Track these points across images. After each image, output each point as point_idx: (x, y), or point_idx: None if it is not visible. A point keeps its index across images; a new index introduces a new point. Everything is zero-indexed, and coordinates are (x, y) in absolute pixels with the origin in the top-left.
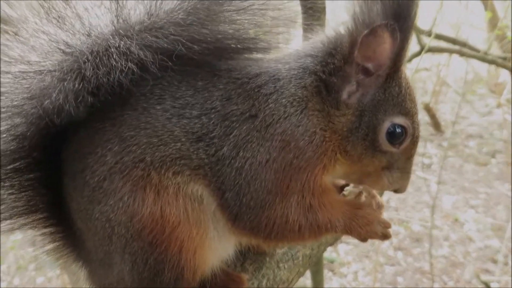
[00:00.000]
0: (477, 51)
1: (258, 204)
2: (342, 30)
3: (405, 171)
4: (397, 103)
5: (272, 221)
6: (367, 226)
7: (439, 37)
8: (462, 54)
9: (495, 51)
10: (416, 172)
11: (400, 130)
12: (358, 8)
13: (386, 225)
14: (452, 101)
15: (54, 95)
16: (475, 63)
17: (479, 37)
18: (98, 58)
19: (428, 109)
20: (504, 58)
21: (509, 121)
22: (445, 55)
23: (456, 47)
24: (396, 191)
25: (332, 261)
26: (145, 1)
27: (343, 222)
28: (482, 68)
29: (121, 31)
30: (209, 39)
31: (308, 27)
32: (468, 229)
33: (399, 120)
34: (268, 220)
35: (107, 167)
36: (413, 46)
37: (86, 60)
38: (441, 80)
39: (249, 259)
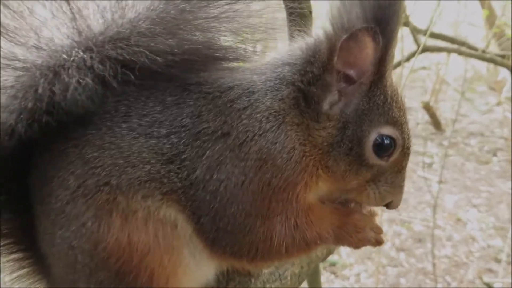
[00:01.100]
0: (476, 49)
1: (237, 229)
2: (321, 35)
3: (396, 185)
4: (383, 112)
5: (255, 246)
6: (358, 234)
7: (437, 36)
8: (460, 53)
9: (494, 49)
10: (417, 171)
11: (388, 142)
12: (336, 11)
13: (378, 231)
14: (452, 100)
15: (4, 115)
16: (474, 61)
17: (477, 35)
18: (53, 73)
19: (428, 108)
20: (503, 56)
21: (509, 119)
22: (444, 53)
23: (455, 46)
24: (387, 206)
25: (334, 264)
26: (108, 10)
27: (332, 232)
28: (482, 66)
29: (80, 43)
30: (175, 50)
31: (294, 33)
32: (471, 228)
33: (387, 130)
34: (250, 245)
35: (69, 191)
36: (411, 45)
37: (40, 76)
38: (440, 78)
39: (232, 281)
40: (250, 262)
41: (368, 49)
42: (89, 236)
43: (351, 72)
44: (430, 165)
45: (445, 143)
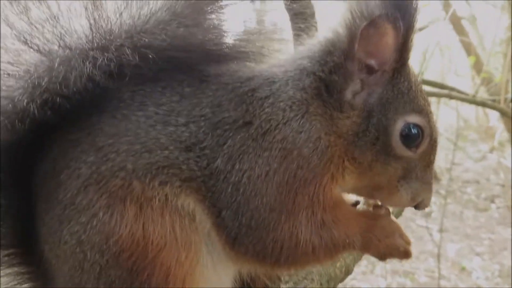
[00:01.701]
0: (466, 94)
1: (261, 224)
2: (339, 28)
3: (426, 182)
4: (408, 100)
5: (280, 244)
6: (387, 239)
7: (427, 82)
8: (451, 97)
9: (483, 95)
10: (416, 220)
11: (415, 131)
12: (355, 0)
13: (407, 241)
14: (445, 149)
15: (19, 96)
16: (464, 111)
17: (464, 85)
18: (73, 61)
19: None
20: (493, 100)
21: (504, 165)
22: (433, 103)
23: (445, 91)
24: (417, 206)
25: None
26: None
27: (360, 236)
28: (471, 115)
29: (98, 34)
30: (194, 43)
31: (297, 35)
32: (476, 277)
33: (414, 119)
34: (274, 243)
35: (81, 180)
36: None
37: (58, 58)
38: None
39: None
40: (273, 264)
41: (388, 36)
42: (101, 228)
43: (372, 62)
44: (429, 214)
45: (442, 191)
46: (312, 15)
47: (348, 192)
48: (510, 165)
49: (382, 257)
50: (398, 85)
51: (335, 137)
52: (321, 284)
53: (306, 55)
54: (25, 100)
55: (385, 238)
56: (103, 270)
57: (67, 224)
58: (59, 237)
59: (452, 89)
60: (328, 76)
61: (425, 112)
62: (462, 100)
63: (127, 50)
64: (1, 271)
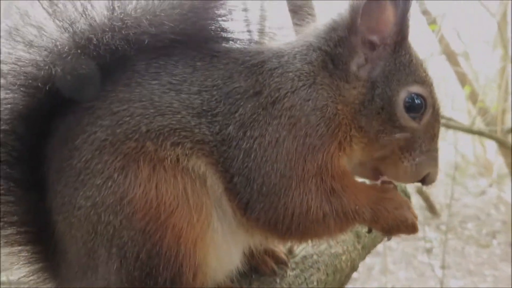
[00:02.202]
0: (463, 125)
1: (272, 190)
2: (342, 11)
3: (431, 155)
4: (410, 72)
5: (291, 211)
6: (396, 211)
7: None
8: (448, 127)
9: (480, 126)
10: (417, 257)
11: (419, 101)
12: None
13: (415, 215)
14: (444, 184)
15: (42, 63)
16: (461, 146)
17: (461, 118)
18: (93, 32)
19: (421, 192)
20: (490, 130)
21: (504, 199)
22: None
23: (442, 121)
24: (423, 180)
25: None
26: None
27: (369, 207)
28: (468, 150)
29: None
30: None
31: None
32: None
33: (416, 89)
34: (285, 210)
35: (96, 144)
36: None
37: (81, 34)
38: None
39: (257, 281)
40: (285, 233)
41: (388, 11)
42: (115, 188)
43: (374, 38)
44: (430, 250)
45: (443, 227)
46: (312, 13)
47: (356, 170)
48: (510, 200)
49: (390, 231)
50: (399, 58)
51: (343, 105)
52: (327, 275)
53: (312, 34)
54: (48, 67)
55: (394, 209)
56: (116, 231)
57: (82, 188)
58: (74, 203)
59: (449, 119)
60: (333, 49)
61: (427, 83)
62: (460, 129)
63: (144, 21)
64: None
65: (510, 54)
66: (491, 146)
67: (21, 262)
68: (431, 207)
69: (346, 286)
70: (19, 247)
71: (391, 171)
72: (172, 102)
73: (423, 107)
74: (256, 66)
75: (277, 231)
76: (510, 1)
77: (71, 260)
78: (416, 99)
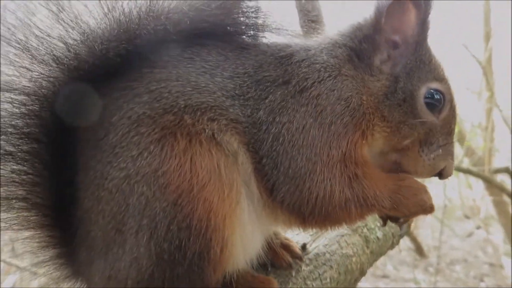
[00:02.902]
0: None
1: (297, 174)
2: (366, 14)
3: (447, 150)
4: (430, 70)
5: (315, 194)
6: (414, 196)
7: None
8: None
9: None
10: None
11: (438, 96)
12: None
13: (431, 196)
14: (431, 226)
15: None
16: (448, 189)
17: None
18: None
19: (409, 233)
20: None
21: (491, 241)
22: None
23: None
24: (440, 175)
25: None
26: None
27: (388, 196)
28: (455, 194)
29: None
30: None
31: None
32: None
33: (436, 85)
34: (310, 193)
35: (133, 118)
36: None
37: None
38: None
39: (273, 274)
40: (308, 215)
41: (411, 13)
42: (150, 160)
43: (397, 38)
44: None
45: (431, 269)
46: (319, 15)
47: (377, 162)
48: (497, 242)
49: (409, 215)
50: (420, 56)
51: (367, 96)
52: (339, 273)
53: (337, 33)
54: (88, 49)
55: (413, 196)
56: (148, 202)
57: (116, 161)
58: (106, 176)
59: None
60: (358, 45)
61: (445, 81)
62: None
63: (184, 8)
64: (35, 232)
65: (495, 97)
66: (477, 188)
67: (37, 247)
68: (419, 249)
69: None
70: (37, 231)
71: (410, 165)
72: (207, 83)
73: (441, 102)
74: (284, 58)
75: (301, 214)
76: (492, 47)
77: (95, 239)
78: (436, 94)
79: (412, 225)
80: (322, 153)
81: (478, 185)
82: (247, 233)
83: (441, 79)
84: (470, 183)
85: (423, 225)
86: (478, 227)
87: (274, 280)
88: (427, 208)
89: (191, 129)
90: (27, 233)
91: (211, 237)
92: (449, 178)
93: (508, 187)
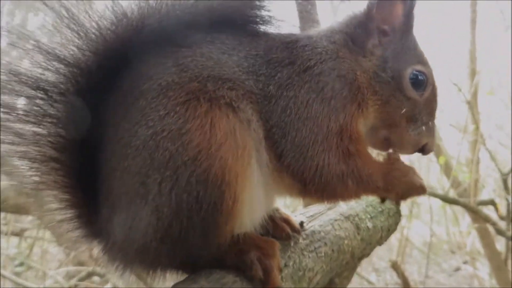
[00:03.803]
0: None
1: (302, 143)
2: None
3: (429, 127)
4: (415, 54)
5: (316, 162)
6: (405, 177)
7: None
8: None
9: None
10: None
11: (422, 77)
12: None
13: (421, 177)
14: (418, 262)
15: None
16: (434, 225)
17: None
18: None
19: (396, 267)
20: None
21: (478, 276)
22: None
23: None
24: (423, 150)
25: None
26: None
27: (381, 177)
28: (442, 231)
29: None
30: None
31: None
32: None
33: (419, 67)
34: (312, 161)
35: (163, 84)
36: None
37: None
38: (405, 240)
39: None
40: (308, 183)
41: (398, 5)
42: (176, 119)
43: (386, 27)
44: None
45: None
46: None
47: (369, 139)
48: (484, 276)
49: (402, 196)
50: (406, 43)
51: (360, 73)
52: (332, 251)
53: (335, 23)
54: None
55: (403, 177)
56: (172, 157)
57: (145, 119)
58: (133, 133)
59: None
60: (353, 31)
61: (428, 65)
62: (435, 196)
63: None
64: (59, 192)
65: (480, 130)
66: (464, 224)
67: (60, 207)
68: (405, 283)
69: None
70: (62, 191)
71: (397, 140)
72: (226, 60)
73: (424, 83)
74: (290, 43)
75: (303, 180)
76: (478, 81)
77: (118, 195)
78: (420, 76)
79: (399, 259)
80: (322, 125)
81: (464, 221)
82: (255, 194)
83: (425, 63)
84: (457, 216)
85: (409, 260)
86: (465, 262)
87: (276, 242)
88: (419, 188)
89: (212, 95)
90: (52, 193)
91: (225, 190)
92: (430, 153)
93: (494, 218)
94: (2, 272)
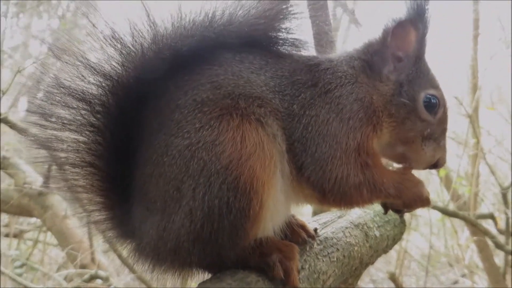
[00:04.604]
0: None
1: (322, 157)
2: (375, 35)
3: (442, 144)
4: (428, 79)
5: (335, 174)
6: (415, 188)
7: None
8: None
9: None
10: None
11: (434, 101)
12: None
13: (428, 191)
14: (416, 274)
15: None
16: (433, 240)
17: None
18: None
19: (394, 279)
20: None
21: None
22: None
23: None
24: (435, 165)
25: None
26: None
27: (393, 185)
28: (440, 244)
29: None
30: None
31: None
32: None
33: (432, 92)
34: (331, 174)
35: (198, 100)
36: None
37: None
38: (403, 252)
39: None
40: (327, 192)
41: (411, 33)
42: (210, 131)
43: (400, 53)
44: None
45: None
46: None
47: (386, 152)
48: None
49: (409, 205)
50: (420, 68)
51: (377, 97)
52: (343, 256)
53: (353, 49)
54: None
55: (413, 187)
56: (206, 165)
57: (182, 131)
58: (170, 144)
59: None
60: (370, 58)
61: (440, 89)
62: (435, 208)
63: (234, 23)
64: (95, 195)
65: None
66: (462, 237)
67: (95, 209)
68: None
69: None
70: (98, 194)
71: (413, 156)
72: (255, 79)
73: (437, 106)
74: (313, 66)
75: (322, 190)
76: (479, 96)
77: (153, 198)
78: (432, 99)
79: (397, 271)
80: (341, 142)
81: (463, 234)
82: (277, 201)
83: (437, 87)
84: (456, 229)
85: (408, 273)
86: (463, 275)
87: (296, 246)
88: (424, 200)
89: (244, 112)
90: (89, 196)
91: (253, 197)
92: (444, 166)
93: (492, 231)
94: (4, 270)
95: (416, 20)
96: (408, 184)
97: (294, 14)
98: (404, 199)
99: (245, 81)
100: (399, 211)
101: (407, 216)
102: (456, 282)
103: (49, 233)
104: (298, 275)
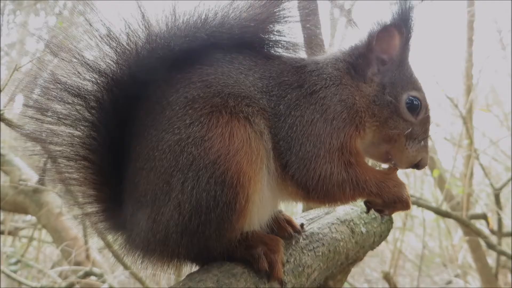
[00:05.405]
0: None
1: (305, 156)
2: (360, 37)
3: (425, 145)
4: (410, 81)
5: (318, 173)
6: (395, 188)
7: None
8: (419, 205)
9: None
10: None
11: (416, 102)
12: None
13: (408, 194)
14: (410, 274)
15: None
16: (427, 240)
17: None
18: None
19: (388, 278)
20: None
21: None
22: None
23: (413, 198)
24: (417, 165)
25: None
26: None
27: (375, 183)
28: (434, 244)
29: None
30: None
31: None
32: None
33: (414, 93)
34: (314, 172)
35: (189, 97)
36: None
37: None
38: (398, 252)
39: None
40: (311, 190)
41: (395, 37)
42: (200, 127)
43: (384, 57)
44: None
45: None
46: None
47: (371, 151)
48: None
49: (388, 205)
50: (403, 71)
51: (359, 98)
52: (329, 251)
53: (339, 51)
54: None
55: (394, 187)
56: (195, 160)
57: (172, 127)
58: (161, 139)
59: (419, 198)
60: (355, 61)
61: (422, 91)
62: (428, 208)
63: (226, 25)
64: (88, 188)
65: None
66: (456, 237)
67: (88, 201)
68: None
69: None
70: (91, 187)
71: (397, 155)
72: (244, 80)
73: (419, 107)
74: (299, 68)
75: (306, 188)
76: (473, 97)
77: (144, 191)
78: (415, 101)
79: (392, 270)
80: (325, 141)
81: (457, 235)
82: (263, 196)
83: (419, 89)
84: (449, 230)
85: (402, 272)
86: (457, 275)
87: (280, 239)
88: (403, 202)
89: (233, 110)
90: (82, 189)
91: (239, 191)
92: (424, 168)
93: (485, 231)
94: (2, 268)
95: (401, 25)
96: (390, 183)
97: (285, 17)
98: (385, 198)
99: (235, 81)
100: (380, 211)
101: (402, 216)
102: (449, 282)
103: (44, 231)
104: (283, 267)
